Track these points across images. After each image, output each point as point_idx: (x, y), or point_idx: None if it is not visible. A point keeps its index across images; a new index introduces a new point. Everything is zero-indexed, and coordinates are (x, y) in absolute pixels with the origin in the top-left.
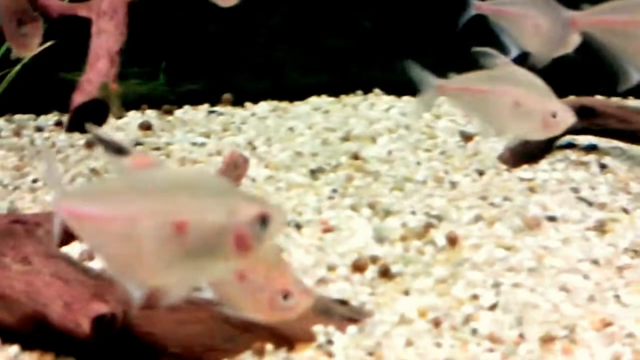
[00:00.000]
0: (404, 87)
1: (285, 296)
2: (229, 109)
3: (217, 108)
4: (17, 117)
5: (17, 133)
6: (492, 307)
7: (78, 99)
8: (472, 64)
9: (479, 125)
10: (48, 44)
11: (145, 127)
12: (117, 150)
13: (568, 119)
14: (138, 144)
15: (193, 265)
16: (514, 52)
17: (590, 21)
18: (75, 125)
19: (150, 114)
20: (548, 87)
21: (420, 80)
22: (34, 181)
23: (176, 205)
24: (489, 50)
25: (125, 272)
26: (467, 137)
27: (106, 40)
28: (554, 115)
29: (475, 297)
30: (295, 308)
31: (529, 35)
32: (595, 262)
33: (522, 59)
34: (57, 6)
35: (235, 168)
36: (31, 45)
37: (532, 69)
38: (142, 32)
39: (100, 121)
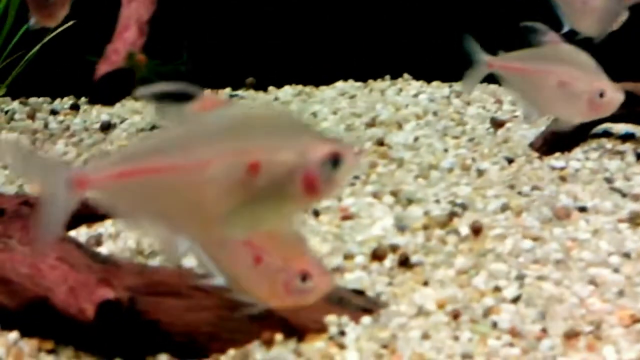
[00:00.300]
0: (433, 72)
1: (304, 278)
2: (251, 92)
3: (239, 92)
4: (32, 100)
5: (31, 116)
6: (515, 300)
7: (103, 68)
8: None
9: (523, 106)
10: (68, 24)
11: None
12: (184, 97)
13: (616, 99)
14: (154, 127)
15: (261, 209)
16: (566, 27)
17: None
18: (99, 97)
19: None
20: (597, 65)
21: (472, 54)
22: None
23: (247, 146)
24: (538, 25)
25: (180, 226)
26: (497, 124)
27: (136, 9)
28: (601, 95)
29: (497, 289)
30: (313, 292)
31: (580, 12)
32: (626, 255)
33: (572, 35)
34: None
35: None
36: (57, 16)
37: (584, 45)
38: (166, 13)
39: (126, 93)
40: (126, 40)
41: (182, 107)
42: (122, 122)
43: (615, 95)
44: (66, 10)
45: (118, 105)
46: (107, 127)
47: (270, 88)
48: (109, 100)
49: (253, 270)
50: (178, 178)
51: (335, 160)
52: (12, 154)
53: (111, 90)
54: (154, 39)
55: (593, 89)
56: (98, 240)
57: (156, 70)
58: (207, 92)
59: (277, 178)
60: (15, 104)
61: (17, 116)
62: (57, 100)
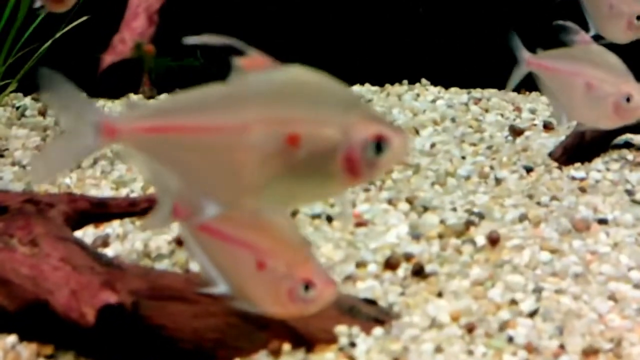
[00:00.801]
0: (452, 78)
1: (307, 287)
2: None
3: None
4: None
5: (42, 113)
6: (532, 314)
7: (109, 59)
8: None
9: (553, 107)
10: (80, 20)
11: None
12: (232, 50)
13: None
14: None
15: (298, 184)
16: (592, 32)
17: None
18: (103, 89)
19: None
20: (626, 69)
21: (515, 51)
22: None
23: (289, 116)
24: (571, 25)
25: (214, 191)
26: (516, 132)
27: None
28: (628, 100)
29: (513, 302)
30: (316, 301)
31: (606, 17)
32: None
33: (598, 39)
34: None
35: None
36: (67, 1)
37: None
38: (180, 9)
39: (132, 85)
40: (134, 30)
41: (234, 60)
42: None
43: None
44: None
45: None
46: None
47: None
48: (114, 92)
49: (256, 276)
50: (212, 140)
51: (379, 143)
52: (51, 82)
53: (117, 81)
54: (167, 34)
55: (620, 92)
56: (105, 241)
57: (167, 65)
58: (254, 50)
59: (317, 153)
60: (27, 100)
61: (28, 112)
62: None
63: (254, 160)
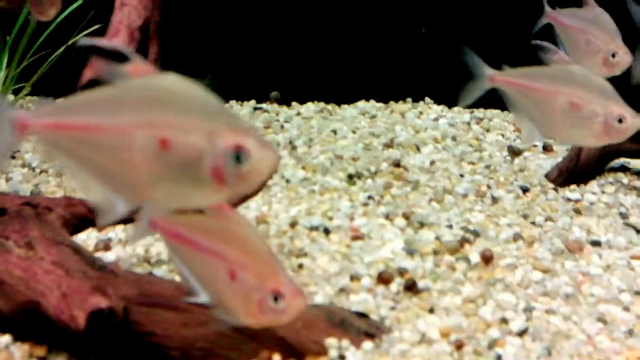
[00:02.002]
0: (455, 97)
1: (277, 298)
2: (275, 106)
3: (263, 105)
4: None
5: None
6: (521, 334)
7: (88, 74)
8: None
9: (524, 126)
10: (93, 28)
11: None
12: (118, 56)
13: (636, 124)
14: None
15: (177, 185)
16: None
17: None
18: None
19: None
20: (611, 88)
21: (473, 67)
22: None
23: (161, 121)
24: (548, 45)
25: (110, 185)
26: (515, 153)
27: (128, 14)
28: (620, 120)
29: (504, 320)
30: (286, 311)
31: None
32: (638, 293)
33: None
34: None
35: None
36: (48, 14)
37: None
38: (195, 29)
39: None
40: None
41: (118, 67)
42: None
43: (635, 120)
44: (57, 8)
45: None
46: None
47: (294, 103)
48: None
49: (229, 286)
50: (99, 139)
51: (238, 154)
52: None
53: None
54: (180, 55)
55: (612, 113)
56: (107, 245)
57: None
58: (139, 57)
59: (186, 158)
60: None
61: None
62: None
63: (135, 160)
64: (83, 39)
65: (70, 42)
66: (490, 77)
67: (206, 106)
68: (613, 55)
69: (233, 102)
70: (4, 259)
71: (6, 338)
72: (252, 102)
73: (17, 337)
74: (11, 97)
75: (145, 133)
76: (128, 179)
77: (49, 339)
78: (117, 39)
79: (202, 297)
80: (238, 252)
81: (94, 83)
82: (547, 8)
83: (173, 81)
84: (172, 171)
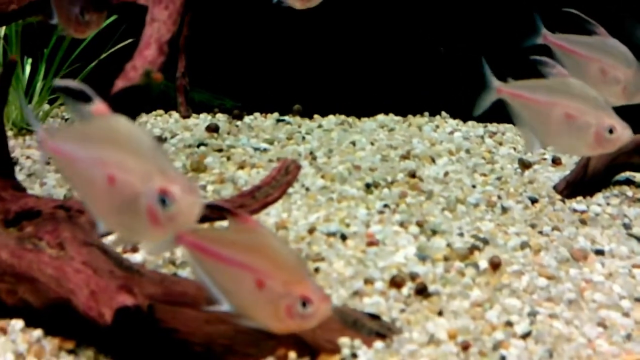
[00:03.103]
0: (470, 112)
1: (304, 303)
2: (297, 119)
3: (285, 117)
4: (63, 128)
5: None
6: (525, 336)
7: (120, 84)
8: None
9: (525, 135)
10: (125, 42)
11: (212, 129)
12: (82, 96)
13: (625, 136)
14: (202, 144)
15: (125, 219)
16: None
17: None
18: (116, 110)
19: (220, 118)
20: (605, 101)
21: (485, 79)
22: None
23: (112, 159)
24: (547, 60)
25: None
26: (525, 165)
27: (158, 29)
28: (611, 131)
29: (509, 324)
30: (313, 316)
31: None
32: (638, 300)
33: None
34: None
35: (286, 174)
36: (88, 33)
37: None
38: (222, 44)
39: (141, 108)
40: (145, 58)
41: (82, 106)
42: (172, 137)
43: (624, 132)
44: (98, 28)
45: (172, 120)
46: (158, 141)
47: (316, 116)
48: (129, 113)
49: (256, 295)
50: (76, 167)
51: (164, 198)
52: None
53: (126, 105)
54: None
55: (603, 124)
56: (135, 247)
57: (201, 99)
58: (98, 98)
59: (127, 196)
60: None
61: (69, 102)
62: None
63: (93, 190)
64: (57, 80)
65: (102, 57)
66: (497, 88)
67: (148, 150)
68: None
69: (257, 114)
70: (37, 259)
71: (37, 332)
72: (276, 115)
73: (48, 332)
74: (46, 106)
75: (99, 168)
76: (94, 204)
77: (78, 333)
78: (147, 52)
79: (225, 306)
80: (264, 262)
81: (126, 91)
82: (544, 30)
83: (125, 124)
84: (120, 205)
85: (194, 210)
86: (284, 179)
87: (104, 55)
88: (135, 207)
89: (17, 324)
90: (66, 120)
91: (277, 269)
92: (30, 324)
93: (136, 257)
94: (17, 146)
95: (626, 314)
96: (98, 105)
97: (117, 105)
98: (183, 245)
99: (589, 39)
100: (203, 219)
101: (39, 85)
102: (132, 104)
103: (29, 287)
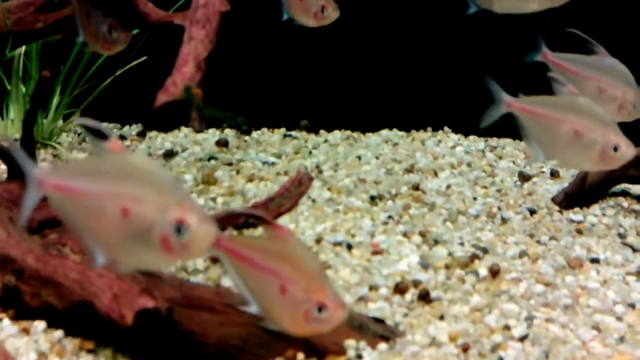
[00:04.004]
0: (472, 127)
1: (320, 309)
2: (304, 134)
3: (292, 132)
4: (104, 124)
5: None
6: (522, 339)
7: (162, 98)
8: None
9: (530, 148)
10: (141, 59)
11: (222, 143)
12: (100, 134)
13: (629, 154)
14: (212, 158)
15: (135, 249)
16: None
17: None
18: (155, 123)
19: (229, 133)
20: (612, 119)
21: (494, 93)
22: None
23: (126, 193)
24: (559, 77)
25: (89, 239)
26: (524, 178)
27: (195, 47)
28: (615, 149)
29: (507, 327)
30: (329, 321)
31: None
32: (631, 305)
33: None
34: (155, 14)
35: (299, 185)
36: (115, 50)
37: None
38: (230, 60)
39: (180, 122)
40: (184, 75)
41: (101, 143)
42: (183, 150)
43: (628, 150)
44: (124, 46)
45: (181, 135)
46: (169, 155)
47: (322, 131)
48: (165, 127)
49: (279, 298)
50: (83, 201)
51: (180, 227)
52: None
53: (167, 118)
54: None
55: (608, 141)
56: None
57: (213, 114)
58: (116, 136)
59: (141, 227)
60: None
61: (88, 139)
62: (126, 127)
63: (104, 222)
64: (79, 119)
65: (117, 73)
66: (507, 102)
67: (162, 183)
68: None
69: (265, 130)
70: (62, 264)
71: (59, 333)
72: (283, 130)
73: (69, 333)
74: (61, 122)
75: (112, 202)
76: (100, 237)
77: (98, 334)
78: (186, 69)
79: (253, 308)
80: (288, 269)
81: (168, 106)
82: (545, 49)
83: (140, 160)
84: (131, 236)
85: (208, 238)
86: (296, 190)
87: (119, 72)
88: (149, 237)
89: (40, 325)
90: (79, 134)
91: (300, 276)
92: (52, 325)
93: None
94: None
95: (619, 318)
96: (114, 142)
97: (161, 117)
98: (220, 249)
99: (588, 58)
100: (237, 227)
101: (55, 101)
102: (173, 117)
103: (53, 290)
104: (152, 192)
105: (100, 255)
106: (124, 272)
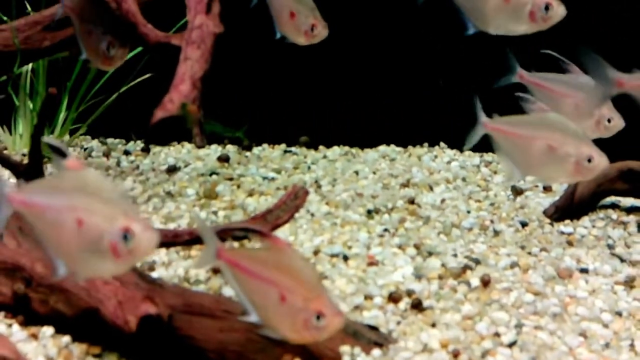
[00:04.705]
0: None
1: (319, 317)
2: (303, 150)
3: (292, 148)
4: (109, 140)
5: (107, 154)
6: (511, 345)
7: (159, 114)
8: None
9: (506, 167)
10: (144, 77)
11: (224, 159)
12: (60, 152)
13: (603, 163)
14: (213, 173)
15: (89, 256)
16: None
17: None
18: (154, 138)
19: (230, 149)
20: (582, 132)
21: (476, 114)
22: None
23: (79, 205)
24: (529, 96)
25: (51, 250)
26: (517, 192)
27: (191, 66)
28: (589, 160)
29: (497, 334)
30: (326, 328)
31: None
32: (618, 313)
33: None
34: (154, 35)
35: (295, 198)
36: (114, 65)
37: None
38: (232, 80)
39: (176, 137)
40: (181, 92)
41: (60, 160)
42: (186, 166)
43: (601, 160)
44: (122, 61)
45: (184, 151)
46: (172, 170)
47: (321, 147)
48: (162, 141)
49: (279, 307)
50: (45, 215)
51: (126, 234)
52: None
53: (164, 133)
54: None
55: (581, 153)
56: (151, 267)
57: (213, 130)
58: (73, 154)
59: (93, 236)
60: (94, 143)
61: (94, 153)
62: (131, 143)
63: (64, 234)
64: (45, 138)
65: (121, 90)
66: (484, 123)
67: (111, 196)
68: (609, 121)
69: (266, 145)
70: None
71: (66, 338)
72: (283, 146)
73: (76, 338)
74: (67, 137)
75: (69, 214)
76: (61, 248)
77: (104, 340)
78: (182, 87)
79: (253, 317)
80: (288, 279)
81: (165, 121)
82: (520, 69)
83: (93, 176)
84: (86, 245)
85: (151, 244)
86: (293, 203)
87: (123, 89)
88: (100, 246)
89: (48, 330)
90: (85, 149)
91: (298, 285)
92: (60, 330)
93: (153, 276)
94: None
95: (606, 326)
96: (72, 160)
97: (158, 132)
98: (222, 260)
99: (563, 77)
100: (236, 238)
101: (61, 116)
102: (169, 132)
103: (61, 297)
104: (102, 204)
105: (61, 265)
106: (81, 281)
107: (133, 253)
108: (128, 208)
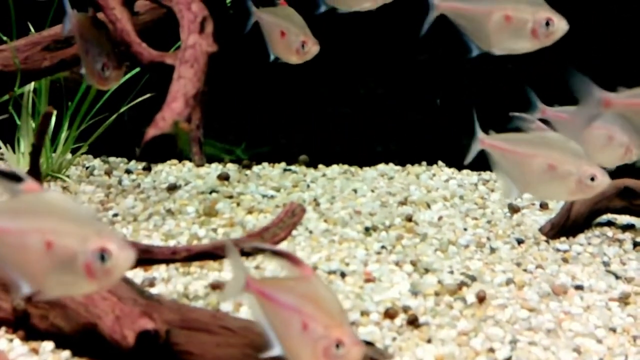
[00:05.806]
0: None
1: (338, 345)
2: (302, 168)
3: (292, 167)
4: (111, 159)
5: (108, 173)
6: None
7: (151, 132)
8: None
9: (504, 184)
10: (145, 96)
11: (223, 177)
12: (15, 177)
13: (605, 182)
14: (213, 191)
15: (60, 278)
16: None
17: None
18: (146, 156)
19: (230, 167)
20: (581, 150)
21: (474, 129)
22: (115, 215)
23: (47, 227)
24: (525, 115)
25: (16, 272)
26: (514, 210)
27: (184, 84)
28: (592, 179)
29: (491, 350)
30: (346, 357)
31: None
32: (612, 329)
33: None
34: (149, 54)
35: (292, 216)
36: (109, 85)
37: None
38: (233, 100)
39: (168, 154)
40: (173, 110)
41: (15, 185)
42: (186, 184)
43: (604, 178)
44: (117, 82)
45: (185, 169)
46: (172, 188)
47: (320, 166)
48: (155, 159)
49: (300, 335)
50: (6, 238)
51: (103, 254)
52: None
53: (156, 151)
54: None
55: (584, 172)
56: (152, 282)
57: (214, 148)
58: (30, 179)
59: (65, 257)
60: (96, 161)
61: (96, 172)
62: (133, 162)
63: (29, 256)
64: None
65: (122, 110)
66: (480, 140)
67: (80, 217)
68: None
69: (265, 164)
70: None
71: (66, 353)
72: (283, 164)
73: (75, 353)
74: (69, 155)
75: (35, 237)
76: (25, 269)
77: (103, 355)
78: (175, 105)
79: (277, 350)
80: (311, 307)
81: (158, 139)
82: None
83: (57, 197)
84: (56, 266)
85: (128, 262)
86: (290, 220)
87: (123, 109)
88: (73, 266)
89: (48, 345)
90: (87, 168)
91: (321, 314)
92: (59, 345)
93: (152, 292)
94: None
95: (600, 341)
96: (29, 184)
97: (150, 150)
98: (251, 292)
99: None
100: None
101: (63, 135)
102: (161, 150)
103: (60, 313)
104: (71, 225)
105: (24, 285)
106: (49, 299)
107: (110, 272)
108: (100, 227)
